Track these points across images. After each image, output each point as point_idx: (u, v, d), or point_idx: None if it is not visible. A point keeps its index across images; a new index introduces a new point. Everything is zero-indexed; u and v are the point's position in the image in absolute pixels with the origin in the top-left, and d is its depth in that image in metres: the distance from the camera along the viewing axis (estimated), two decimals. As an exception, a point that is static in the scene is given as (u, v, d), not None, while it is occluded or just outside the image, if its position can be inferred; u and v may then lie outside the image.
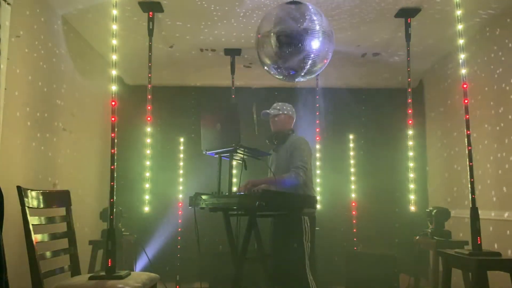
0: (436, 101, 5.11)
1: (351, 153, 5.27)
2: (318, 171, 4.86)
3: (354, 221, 5.08)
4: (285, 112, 3.39)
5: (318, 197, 3.46)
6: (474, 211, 2.78)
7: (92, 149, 4.40)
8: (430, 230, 3.84)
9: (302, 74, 3.00)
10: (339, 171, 5.24)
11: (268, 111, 3.41)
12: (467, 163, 2.96)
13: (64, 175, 3.76)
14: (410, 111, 4.03)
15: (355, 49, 4.50)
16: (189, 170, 5.25)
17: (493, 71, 3.78)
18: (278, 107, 3.40)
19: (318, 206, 3.50)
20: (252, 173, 3.07)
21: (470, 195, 2.86)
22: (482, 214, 2.86)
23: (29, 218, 2.22)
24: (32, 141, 3.23)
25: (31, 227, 2.21)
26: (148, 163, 3.98)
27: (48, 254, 2.35)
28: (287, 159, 3.22)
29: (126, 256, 4.01)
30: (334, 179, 5.19)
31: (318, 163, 4.86)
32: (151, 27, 3.68)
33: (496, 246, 3.57)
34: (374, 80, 5.47)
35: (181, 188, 5.09)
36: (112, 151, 2.74)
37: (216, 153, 2.90)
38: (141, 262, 4.81)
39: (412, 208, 3.99)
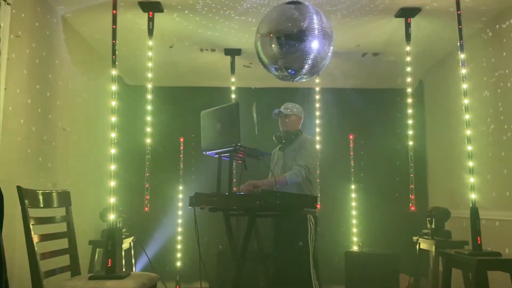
0: (436, 101, 5.11)
1: (351, 153, 5.27)
2: (318, 171, 4.86)
3: (354, 221, 5.09)
4: (296, 112, 3.42)
5: (318, 195, 3.52)
6: (474, 211, 2.78)
7: (92, 149, 4.40)
8: (430, 230, 3.84)
9: (302, 74, 3.00)
10: (339, 171, 5.24)
11: (279, 110, 3.41)
12: (467, 163, 2.96)
13: (64, 175, 3.75)
14: (410, 111, 4.03)
15: (355, 49, 4.49)
16: (189, 170, 5.25)
17: (493, 71, 3.77)
18: (289, 107, 3.41)
19: (318, 206, 3.52)
20: (252, 173, 3.07)
21: (470, 195, 2.87)
22: (482, 214, 2.86)
23: (29, 218, 2.22)
24: (32, 141, 3.23)
25: (31, 227, 2.21)
26: (148, 163, 3.98)
27: (48, 254, 2.35)
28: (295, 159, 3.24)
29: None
30: (334, 179, 5.19)
31: (318, 163, 4.86)
32: (151, 27, 3.68)
33: (495, 245, 3.57)
34: (374, 80, 5.47)
35: (181, 188, 5.09)
36: (112, 151, 2.74)
37: (216, 153, 2.90)
38: (141, 262, 4.82)
39: (412, 208, 3.98)
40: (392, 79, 5.36)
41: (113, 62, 2.84)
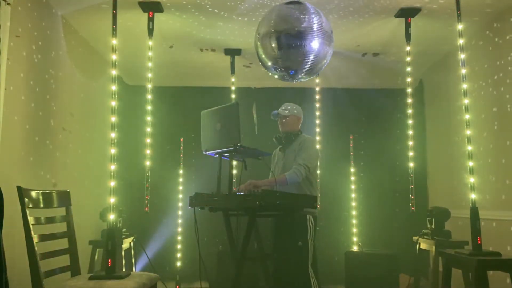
0: (436, 101, 5.11)
1: (351, 153, 5.27)
2: (318, 171, 4.86)
3: (354, 221, 5.09)
4: (294, 113, 3.42)
5: (318, 195, 3.55)
6: (474, 211, 2.78)
7: (92, 149, 4.40)
8: (430, 230, 3.84)
9: (302, 74, 3.00)
10: (339, 171, 5.24)
11: (278, 111, 3.42)
12: (467, 163, 2.96)
13: (64, 175, 3.76)
14: (410, 111, 4.03)
15: (355, 49, 4.49)
16: (189, 170, 5.26)
17: (493, 71, 3.77)
18: (288, 108, 3.41)
19: (318, 206, 3.53)
20: (252, 173, 3.07)
21: (470, 195, 2.86)
22: (482, 214, 2.86)
23: (29, 218, 2.22)
24: (32, 141, 3.23)
25: (31, 227, 2.21)
26: (148, 163, 3.98)
27: (48, 254, 2.35)
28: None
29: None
30: (334, 179, 5.19)
31: (318, 163, 4.86)
32: (151, 27, 3.68)
33: (495, 246, 3.57)
34: (374, 80, 5.47)
35: (181, 188, 5.09)
36: (112, 151, 2.74)
37: (216, 153, 2.90)
38: (141, 262, 4.82)
39: (412, 208, 3.99)
40: (392, 79, 5.36)
41: (113, 62, 2.84)
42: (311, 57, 2.88)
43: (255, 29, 3.09)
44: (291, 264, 3.14)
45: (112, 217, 2.61)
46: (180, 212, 5.01)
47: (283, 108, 3.42)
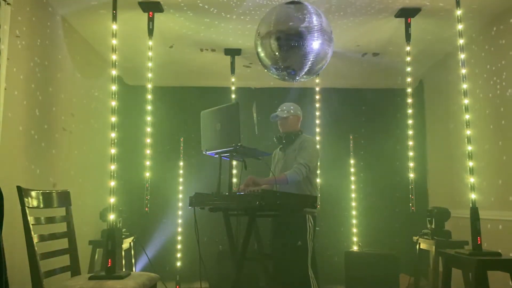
0: (436, 101, 5.11)
1: (351, 153, 5.27)
2: (318, 171, 4.86)
3: (354, 221, 5.09)
4: (294, 113, 3.42)
5: (318, 195, 3.55)
6: (474, 211, 2.78)
7: (92, 149, 4.40)
8: (430, 230, 3.84)
9: (302, 74, 3.00)
10: (339, 171, 5.24)
11: (277, 113, 3.42)
12: (467, 163, 2.96)
13: (64, 175, 3.76)
14: (410, 111, 4.03)
15: (355, 49, 4.49)
16: (189, 170, 5.26)
17: (493, 71, 3.77)
18: (286, 109, 3.41)
19: (318, 206, 3.54)
20: (252, 173, 3.07)
21: (470, 195, 2.87)
22: (482, 214, 2.86)
23: (29, 218, 2.22)
24: (32, 141, 3.23)
25: (31, 227, 2.21)
26: (148, 163, 3.98)
27: (48, 254, 2.35)
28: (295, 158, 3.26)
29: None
30: (334, 179, 5.19)
31: (318, 163, 4.86)
32: (151, 27, 3.68)
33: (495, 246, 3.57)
34: (374, 80, 5.47)
35: (181, 188, 5.09)
36: (112, 151, 2.74)
37: (216, 153, 2.90)
38: (141, 262, 4.82)
39: (412, 208, 3.98)
40: (392, 79, 5.36)
41: (113, 62, 2.84)
42: (311, 57, 2.88)
43: (255, 29, 3.09)
44: (291, 264, 3.14)
45: (112, 217, 2.62)
46: (180, 212, 5.01)
47: (281, 109, 3.42)
